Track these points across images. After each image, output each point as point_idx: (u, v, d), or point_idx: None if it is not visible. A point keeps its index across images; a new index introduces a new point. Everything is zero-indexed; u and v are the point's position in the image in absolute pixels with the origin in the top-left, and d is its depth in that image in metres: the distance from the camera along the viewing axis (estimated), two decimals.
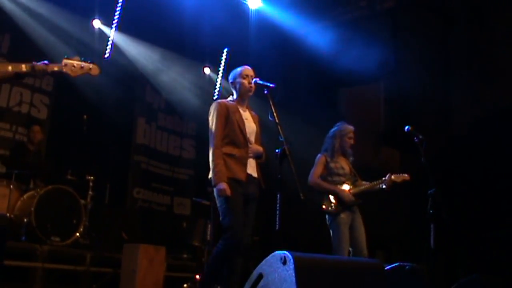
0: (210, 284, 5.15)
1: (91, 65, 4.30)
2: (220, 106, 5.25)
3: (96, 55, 9.96)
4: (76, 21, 10.09)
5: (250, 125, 5.31)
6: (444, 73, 9.27)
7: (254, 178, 5.24)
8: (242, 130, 5.19)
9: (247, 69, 5.39)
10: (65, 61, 4.19)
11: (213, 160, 5.06)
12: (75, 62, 4.22)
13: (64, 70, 4.17)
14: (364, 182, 6.53)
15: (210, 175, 5.12)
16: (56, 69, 4.17)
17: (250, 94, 5.34)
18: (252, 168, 5.24)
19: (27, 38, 9.50)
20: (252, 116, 5.43)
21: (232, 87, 5.44)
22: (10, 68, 3.96)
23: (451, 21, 9.38)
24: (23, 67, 3.98)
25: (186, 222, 10.60)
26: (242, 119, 5.25)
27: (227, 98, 5.48)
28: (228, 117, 5.19)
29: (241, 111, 5.31)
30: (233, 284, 5.00)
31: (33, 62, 4.00)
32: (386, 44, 9.69)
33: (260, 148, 5.31)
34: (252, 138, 5.29)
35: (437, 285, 6.22)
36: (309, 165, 6.60)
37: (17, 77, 4.11)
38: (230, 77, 5.46)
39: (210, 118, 5.27)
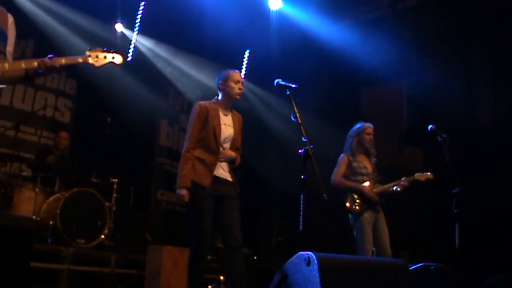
0: None
1: (114, 54, 4.30)
2: (201, 108, 5.26)
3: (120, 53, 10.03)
4: (99, 25, 10.18)
5: (228, 131, 5.28)
6: (467, 71, 9.20)
7: (227, 180, 5.24)
8: (216, 136, 5.17)
9: (238, 74, 5.39)
10: (88, 52, 4.20)
11: (181, 163, 5.12)
12: (98, 53, 4.23)
13: (89, 61, 4.18)
14: (380, 185, 6.51)
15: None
16: (80, 60, 4.18)
17: (238, 98, 5.33)
18: (225, 172, 5.23)
19: (50, 43, 9.61)
20: (234, 119, 5.39)
21: (220, 88, 5.38)
22: (23, 65, 3.99)
23: (473, 19, 9.31)
24: (35, 63, 4.00)
25: None
26: (220, 125, 5.22)
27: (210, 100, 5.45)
28: (206, 121, 5.20)
29: (222, 115, 5.29)
30: (239, 284, 5.00)
31: (41, 58, 4.01)
32: (408, 43, 9.64)
33: (232, 154, 5.26)
34: (226, 144, 5.26)
35: (462, 285, 6.17)
36: (332, 166, 6.59)
37: (29, 76, 4.13)
38: (220, 77, 5.40)
39: (189, 119, 5.33)
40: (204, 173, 5.10)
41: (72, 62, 4.18)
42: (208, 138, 5.17)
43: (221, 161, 5.21)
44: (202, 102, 5.35)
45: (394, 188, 6.38)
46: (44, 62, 3.99)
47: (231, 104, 5.41)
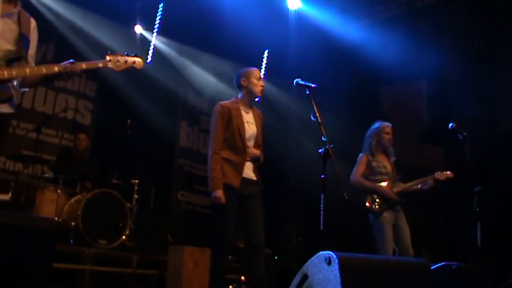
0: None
1: (135, 58, 4.32)
2: (223, 108, 5.24)
3: (140, 57, 10.09)
4: (118, 27, 10.26)
5: (251, 129, 5.28)
6: (488, 69, 9.13)
7: (253, 180, 5.24)
8: (242, 136, 5.17)
9: (259, 71, 5.42)
10: (108, 57, 4.23)
11: (210, 165, 5.14)
12: (119, 57, 4.25)
13: (109, 65, 4.20)
14: (401, 183, 6.48)
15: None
16: (100, 65, 4.21)
17: (259, 96, 5.34)
18: (250, 171, 5.24)
19: (71, 46, 9.71)
20: (255, 116, 5.40)
21: (241, 86, 5.39)
22: (44, 70, 4.03)
23: (494, 15, 9.23)
24: (56, 68, 4.03)
25: None
26: (243, 124, 5.22)
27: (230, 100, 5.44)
28: (229, 121, 5.19)
29: (244, 114, 5.29)
30: (259, 285, 5.00)
31: (60, 64, 4.04)
32: (428, 41, 9.59)
33: (256, 152, 5.27)
34: (251, 142, 5.26)
35: (484, 285, 6.13)
36: (352, 165, 6.58)
37: (49, 79, 4.16)
38: (241, 75, 5.41)
39: (211, 120, 5.30)
40: (233, 174, 5.11)
41: (92, 66, 4.23)
42: (234, 138, 5.17)
43: (247, 160, 5.22)
44: (223, 102, 5.34)
45: (419, 186, 6.35)
46: (65, 68, 4.02)
47: (252, 101, 5.42)
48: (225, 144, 5.18)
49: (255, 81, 5.31)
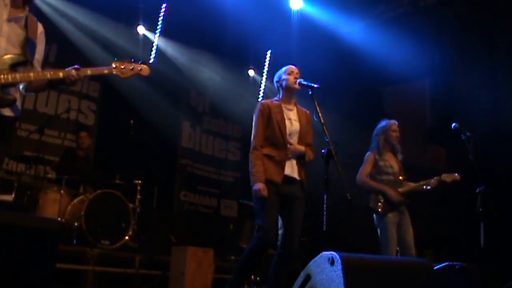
0: (240, 281, 5.14)
1: (141, 66, 4.30)
2: (263, 106, 5.24)
3: (141, 61, 10.10)
4: (121, 28, 10.27)
5: (293, 125, 5.24)
6: (491, 68, 9.11)
7: (295, 179, 5.19)
8: (282, 131, 5.14)
9: (291, 67, 5.38)
10: (114, 64, 4.23)
11: (251, 161, 5.09)
12: (125, 64, 4.25)
13: (114, 72, 4.20)
14: (409, 183, 6.47)
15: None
16: (105, 71, 4.21)
17: (296, 89, 5.28)
18: (292, 169, 5.18)
19: (73, 47, 9.72)
20: (299, 114, 5.36)
21: (278, 86, 5.40)
22: (48, 75, 4.02)
23: (497, 15, 9.22)
24: (60, 74, 4.03)
25: (233, 224, 10.65)
26: (284, 120, 5.20)
27: (272, 99, 5.45)
28: (270, 118, 5.18)
29: (286, 110, 5.27)
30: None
31: (65, 69, 4.03)
32: (431, 41, 9.57)
33: (301, 148, 5.22)
34: (293, 138, 5.21)
35: (487, 285, 6.12)
36: (355, 165, 6.57)
37: (52, 84, 4.17)
38: (275, 77, 5.43)
39: (253, 118, 5.29)
40: (275, 170, 5.08)
41: (97, 73, 4.22)
42: (275, 134, 5.15)
43: (289, 158, 5.17)
44: (263, 101, 5.38)
45: (424, 187, 6.34)
46: (70, 74, 4.01)
47: (293, 98, 5.39)
48: (267, 142, 5.17)
49: (286, 76, 5.30)
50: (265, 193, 4.92)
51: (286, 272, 5.06)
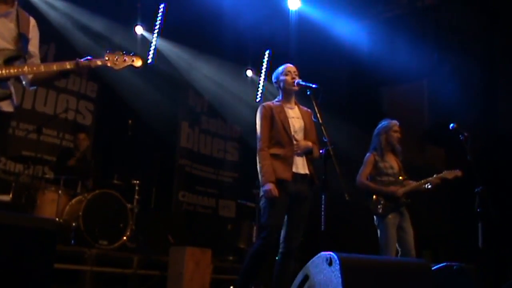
0: (247, 283, 5.12)
1: (133, 57, 4.31)
2: (265, 108, 5.25)
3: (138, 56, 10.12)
4: (119, 28, 10.26)
5: (297, 122, 5.25)
6: (489, 69, 9.12)
7: (304, 175, 5.16)
8: (286, 129, 5.14)
9: (289, 66, 5.39)
10: (107, 56, 4.23)
11: (259, 162, 5.08)
12: (117, 56, 4.26)
13: (108, 64, 4.21)
14: (411, 182, 6.46)
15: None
16: (99, 63, 4.22)
17: (295, 89, 5.27)
18: (301, 166, 5.17)
19: (71, 46, 9.71)
20: (301, 112, 5.36)
21: (277, 87, 5.42)
22: (54, 67, 4.03)
23: (494, 16, 9.22)
24: (67, 64, 4.04)
25: (231, 225, 10.65)
26: (287, 118, 5.20)
27: (272, 101, 5.45)
28: (273, 118, 5.18)
29: (287, 109, 5.27)
30: (281, 287, 5.00)
31: (77, 59, 4.06)
32: (429, 41, 9.58)
33: (308, 143, 5.22)
34: (299, 135, 5.21)
35: (485, 285, 6.13)
36: (353, 165, 6.57)
37: (60, 75, 4.18)
38: (273, 77, 5.45)
39: (256, 121, 5.28)
40: (283, 168, 5.06)
41: (91, 64, 4.21)
42: (280, 133, 5.15)
43: (296, 154, 5.16)
44: (265, 104, 5.36)
45: (426, 185, 6.32)
46: (80, 64, 4.07)
47: (293, 97, 5.39)
48: (272, 142, 5.17)
49: (284, 77, 5.31)
50: (275, 193, 4.91)
51: (290, 271, 5.05)
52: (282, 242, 5.11)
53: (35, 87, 4.50)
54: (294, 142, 5.16)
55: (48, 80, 4.48)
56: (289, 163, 5.10)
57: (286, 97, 5.35)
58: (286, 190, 5.01)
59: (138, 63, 4.34)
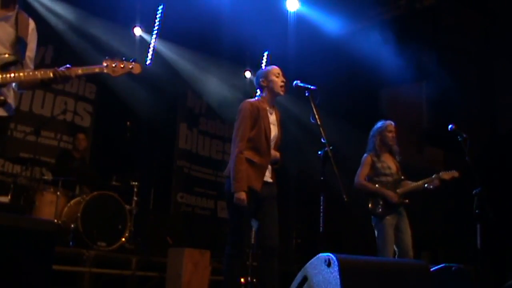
0: (232, 284, 5.09)
1: (132, 64, 4.28)
2: (251, 106, 5.15)
3: (138, 62, 10.10)
4: (117, 29, 10.26)
5: (273, 131, 5.21)
6: (487, 70, 9.13)
7: (269, 182, 5.18)
8: (268, 138, 5.10)
9: (277, 68, 5.33)
10: (105, 62, 4.20)
11: (235, 165, 4.98)
12: (116, 62, 4.23)
13: (105, 71, 4.17)
14: (409, 182, 6.46)
15: (228, 174, 5.09)
16: (97, 70, 4.18)
17: (281, 95, 5.27)
18: (268, 174, 5.18)
19: (69, 48, 9.71)
20: (277, 117, 5.33)
21: (262, 86, 5.30)
22: (39, 75, 4.00)
23: (493, 17, 9.24)
24: (50, 73, 4.00)
25: None
26: (269, 125, 5.15)
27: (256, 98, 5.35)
28: (257, 121, 5.10)
29: (269, 114, 5.22)
30: (270, 286, 4.99)
31: (55, 68, 4.01)
32: (427, 43, 9.59)
33: (277, 154, 5.23)
34: (272, 143, 5.20)
35: (484, 286, 6.12)
36: (351, 167, 6.56)
37: (45, 83, 4.13)
38: (259, 75, 5.33)
39: (238, 117, 5.19)
40: (256, 177, 5.02)
41: (89, 71, 4.18)
42: (260, 140, 5.08)
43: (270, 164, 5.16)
44: (251, 100, 5.25)
45: (426, 185, 6.32)
46: (60, 73, 3.98)
47: (274, 100, 5.35)
48: (250, 144, 5.08)
49: (274, 78, 5.24)
50: (245, 203, 4.85)
51: (272, 269, 5.02)
52: (259, 243, 5.10)
53: (24, 91, 4.46)
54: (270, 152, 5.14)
55: (36, 86, 4.42)
56: (262, 173, 5.08)
57: (270, 99, 5.29)
58: (254, 197, 4.98)
59: (137, 70, 4.31)
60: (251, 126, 5.10)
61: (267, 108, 5.24)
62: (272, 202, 5.16)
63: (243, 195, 4.85)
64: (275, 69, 5.33)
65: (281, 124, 5.38)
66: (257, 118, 5.11)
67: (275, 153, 5.23)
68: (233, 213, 5.02)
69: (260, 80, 5.32)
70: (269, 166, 5.20)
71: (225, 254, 5.09)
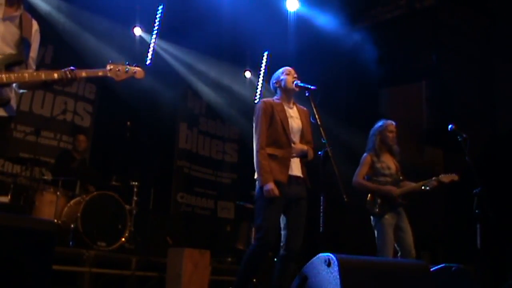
0: (244, 284, 5.07)
1: (136, 69, 4.29)
2: (265, 104, 5.18)
3: (138, 62, 10.07)
4: (117, 29, 10.26)
5: (295, 123, 5.20)
6: (487, 70, 9.13)
7: (298, 178, 5.14)
8: (286, 130, 5.10)
9: (289, 68, 5.35)
10: (109, 66, 4.21)
11: (258, 161, 5.01)
12: (120, 67, 4.23)
13: (109, 74, 4.18)
14: (408, 183, 6.46)
15: (256, 176, 5.10)
16: (100, 74, 4.19)
17: (294, 90, 5.22)
18: (296, 168, 5.13)
19: (69, 48, 9.69)
20: (300, 112, 5.33)
21: (276, 87, 5.36)
22: (43, 76, 4.00)
23: (493, 17, 9.23)
24: (55, 75, 4.00)
25: (230, 226, 10.65)
26: (287, 118, 5.16)
27: (272, 98, 5.39)
28: (272, 116, 5.12)
29: (287, 109, 5.23)
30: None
31: (61, 70, 4.01)
32: (428, 42, 9.58)
33: (304, 147, 5.18)
34: (296, 137, 5.17)
35: (484, 286, 6.12)
36: (351, 167, 6.56)
37: (47, 84, 4.14)
38: (272, 79, 5.40)
39: (254, 118, 5.22)
40: (280, 169, 5.01)
41: (92, 75, 4.19)
42: (278, 133, 5.09)
43: (293, 157, 5.13)
44: (265, 99, 5.29)
45: (423, 187, 6.31)
46: (64, 74, 3.99)
47: (291, 97, 5.34)
48: (269, 140, 5.09)
49: (284, 76, 5.27)
50: (276, 192, 4.85)
51: (288, 272, 5.03)
52: (283, 244, 5.08)
53: (24, 91, 4.46)
54: (292, 144, 5.14)
55: (37, 87, 4.43)
56: (285, 165, 5.06)
57: (286, 97, 5.30)
58: (283, 192, 4.96)
59: (140, 75, 4.32)
60: (267, 122, 5.13)
61: (285, 104, 5.27)
62: (304, 204, 5.14)
63: (272, 185, 4.87)
64: (285, 68, 5.37)
65: (308, 120, 5.30)
66: (273, 114, 5.14)
67: (301, 146, 5.19)
68: (262, 207, 4.99)
69: (274, 82, 5.40)
70: (297, 161, 5.17)
71: (250, 249, 5.09)
